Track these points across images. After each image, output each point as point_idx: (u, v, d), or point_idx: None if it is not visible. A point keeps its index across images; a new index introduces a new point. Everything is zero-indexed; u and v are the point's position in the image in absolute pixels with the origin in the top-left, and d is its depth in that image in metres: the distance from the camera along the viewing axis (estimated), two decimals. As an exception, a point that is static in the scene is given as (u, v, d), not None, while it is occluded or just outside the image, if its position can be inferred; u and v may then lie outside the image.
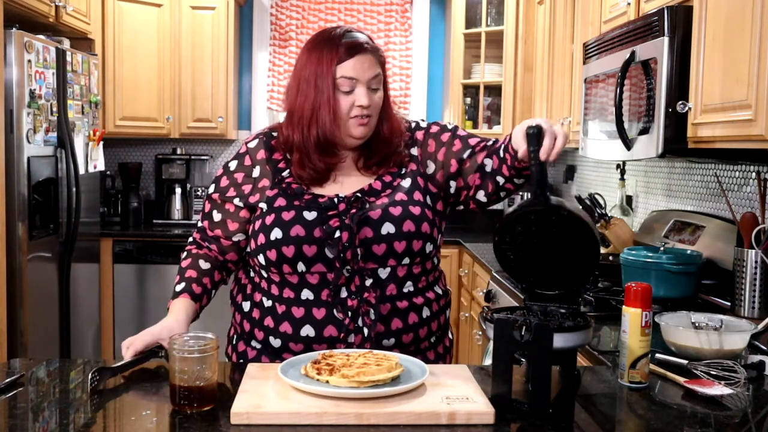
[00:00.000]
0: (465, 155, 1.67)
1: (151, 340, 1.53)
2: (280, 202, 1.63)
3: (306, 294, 1.60)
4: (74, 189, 3.46)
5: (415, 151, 1.71)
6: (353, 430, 1.20)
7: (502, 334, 1.29)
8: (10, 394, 1.36)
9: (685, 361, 1.58)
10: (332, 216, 1.59)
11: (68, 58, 3.45)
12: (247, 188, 1.68)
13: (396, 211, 1.62)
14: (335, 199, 1.62)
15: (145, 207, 4.58)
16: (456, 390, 1.32)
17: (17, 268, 3.07)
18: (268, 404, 1.25)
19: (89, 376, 1.37)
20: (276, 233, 1.59)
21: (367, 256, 1.59)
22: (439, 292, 1.72)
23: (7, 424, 1.23)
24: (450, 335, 1.79)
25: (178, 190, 4.51)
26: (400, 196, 1.64)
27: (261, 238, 1.61)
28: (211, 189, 1.73)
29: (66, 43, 3.55)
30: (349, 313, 1.58)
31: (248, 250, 1.68)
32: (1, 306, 2.98)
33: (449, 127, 1.74)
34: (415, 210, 1.63)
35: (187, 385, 1.27)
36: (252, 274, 1.69)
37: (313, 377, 1.32)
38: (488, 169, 1.65)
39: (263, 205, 1.64)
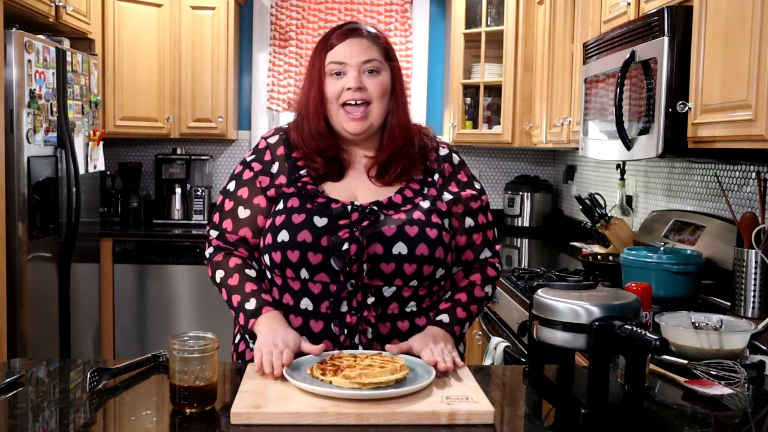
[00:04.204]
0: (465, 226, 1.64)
1: (291, 355, 1.41)
2: (293, 202, 1.56)
3: (305, 303, 1.55)
4: (74, 189, 3.46)
5: (436, 177, 1.63)
6: (353, 430, 1.20)
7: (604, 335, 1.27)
8: (10, 394, 1.36)
9: (685, 361, 1.58)
10: (343, 226, 1.52)
11: (68, 58, 3.45)
12: (265, 181, 1.62)
13: (412, 231, 1.52)
14: (349, 207, 1.54)
15: (145, 207, 4.58)
16: (456, 390, 1.32)
17: (17, 268, 3.07)
18: (268, 404, 1.25)
19: (88, 376, 1.37)
20: (283, 235, 1.53)
21: (373, 273, 1.51)
22: None
23: (7, 424, 1.23)
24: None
25: (178, 190, 4.51)
26: (418, 215, 1.55)
27: (269, 238, 1.56)
28: (232, 186, 1.64)
29: (66, 43, 3.55)
30: (346, 330, 1.52)
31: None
32: (1, 306, 2.98)
33: (477, 194, 1.66)
34: (432, 233, 1.54)
35: (187, 385, 1.27)
36: None
37: (318, 377, 1.32)
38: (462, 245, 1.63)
39: (278, 203, 1.59)
